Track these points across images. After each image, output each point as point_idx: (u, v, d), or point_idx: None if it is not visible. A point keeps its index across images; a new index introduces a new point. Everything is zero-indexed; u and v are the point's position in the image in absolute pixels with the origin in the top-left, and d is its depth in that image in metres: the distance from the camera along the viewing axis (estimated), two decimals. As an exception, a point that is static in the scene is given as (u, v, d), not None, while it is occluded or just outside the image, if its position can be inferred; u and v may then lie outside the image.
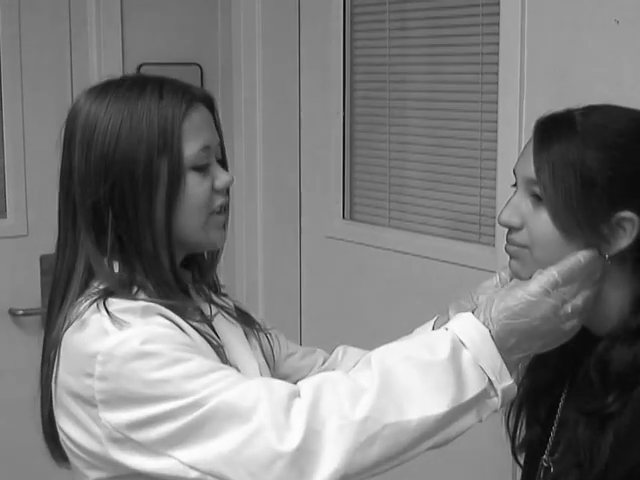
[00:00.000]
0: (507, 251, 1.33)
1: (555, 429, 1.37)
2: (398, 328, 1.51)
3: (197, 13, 2.77)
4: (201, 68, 2.77)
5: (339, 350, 1.66)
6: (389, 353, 1.27)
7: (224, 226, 1.46)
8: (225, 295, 1.57)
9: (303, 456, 1.18)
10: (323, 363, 1.65)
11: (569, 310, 1.25)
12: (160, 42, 2.72)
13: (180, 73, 2.57)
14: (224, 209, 1.44)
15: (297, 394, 1.24)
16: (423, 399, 1.22)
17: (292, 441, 1.18)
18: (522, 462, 1.47)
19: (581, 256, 1.25)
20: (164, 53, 2.70)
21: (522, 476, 1.47)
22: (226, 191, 1.44)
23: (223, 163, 1.47)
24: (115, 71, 2.58)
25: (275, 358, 1.60)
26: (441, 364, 1.23)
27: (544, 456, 1.37)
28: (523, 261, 1.31)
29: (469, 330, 1.25)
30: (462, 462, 2.29)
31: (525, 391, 1.42)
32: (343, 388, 1.23)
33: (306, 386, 1.25)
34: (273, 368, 1.57)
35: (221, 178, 1.42)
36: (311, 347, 1.71)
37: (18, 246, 2.66)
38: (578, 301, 1.26)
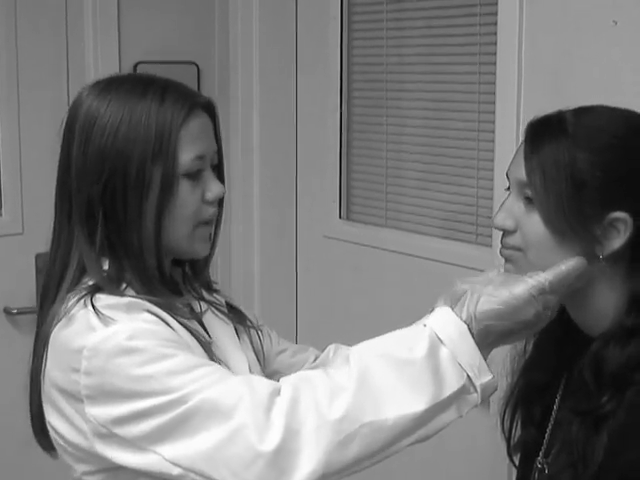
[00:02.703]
0: (502, 255, 1.33)
1: (550, 430, 1.37)
2: (394, 328, 1.50)
3: (194, 12, 2.76)
4: (198, 67, 2.76)
5: (330, 348, 1.65)
6: (367, 351, 1.27)
7: (210, 237, 1.45)
8: (217, 292, 1.57)
9: (282, 456, 1.19)
10: (314, 361, 1.64)
11: (549, 313, 1.26)
12: (157, 41, 2.70)
13: (177, 72, 2.58)
14: (212, 220, 1.44)
15: (278, 392, 1.24)
16: (400, 397, 1.22)
17: (272, 441, 1.19)
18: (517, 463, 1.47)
19: (575, 265, 1.24)
20: (161, 52, 2.69)
21: (517, 478, 1.46)
22: (219, 202, 1.44)
23: (220, 171, 1.46)
24: (112, 70, 2.58)
25: (265, 354, 1.60)
26: (418, 362, 1.22)
27: (539, 457, 1.37)
28: (518, 264, 1.30)
29: (447, 326, 1.25)
30: (457, 463, 2.29)
31: (520, 392, 1.42)
32: (321, 387, 1.23)
33: (286, 385, 1.25)
34: (263, 364, 1.57)
35: (212, 190, 1.41)
36: (303, 345, 1.71)
37: (14, 244, 2.64)
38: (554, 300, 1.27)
